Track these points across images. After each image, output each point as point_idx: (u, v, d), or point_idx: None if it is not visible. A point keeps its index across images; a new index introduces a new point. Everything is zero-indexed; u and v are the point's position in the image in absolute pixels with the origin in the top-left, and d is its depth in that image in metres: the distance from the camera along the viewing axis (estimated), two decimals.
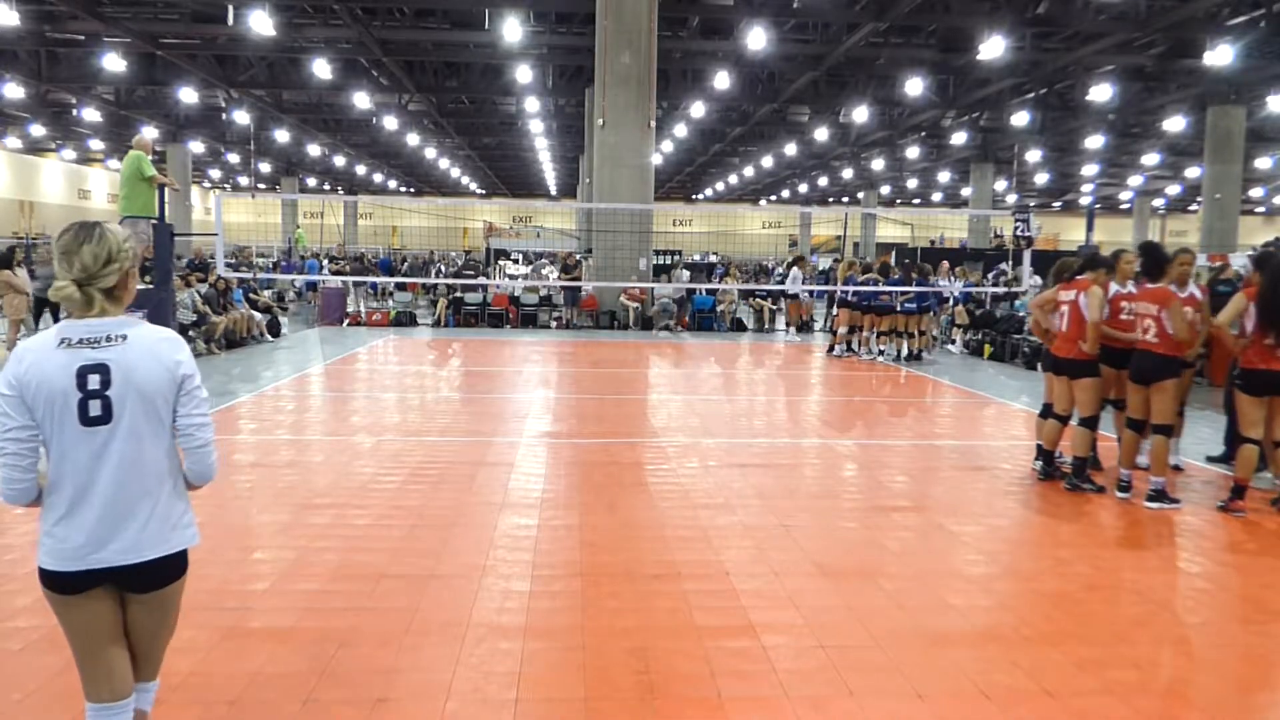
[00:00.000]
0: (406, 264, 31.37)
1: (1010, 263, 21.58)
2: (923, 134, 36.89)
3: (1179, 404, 6.72)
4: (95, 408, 2.37)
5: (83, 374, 2.36)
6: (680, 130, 35.17)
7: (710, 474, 7.06)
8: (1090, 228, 24.97)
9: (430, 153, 45.60)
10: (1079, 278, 6.76)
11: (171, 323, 11.31)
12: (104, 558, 2.41)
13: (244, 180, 53.68)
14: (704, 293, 20.99)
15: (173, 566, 2.54)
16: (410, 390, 11.16)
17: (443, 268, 29.58)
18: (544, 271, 26.53)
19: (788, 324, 20.21)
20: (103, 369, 2.37)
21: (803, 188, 55.58)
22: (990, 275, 21.92)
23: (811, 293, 20.31)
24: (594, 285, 20.22)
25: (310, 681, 3.55)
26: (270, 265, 30.93)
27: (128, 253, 2.49)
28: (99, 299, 2.42)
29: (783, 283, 23.66)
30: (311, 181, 56.27)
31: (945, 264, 19.23)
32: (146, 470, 2.46)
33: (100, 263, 2.42)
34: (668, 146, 38.49)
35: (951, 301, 17.76)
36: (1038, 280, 14.71)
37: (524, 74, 25.60)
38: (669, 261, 25.97)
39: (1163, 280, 6.49)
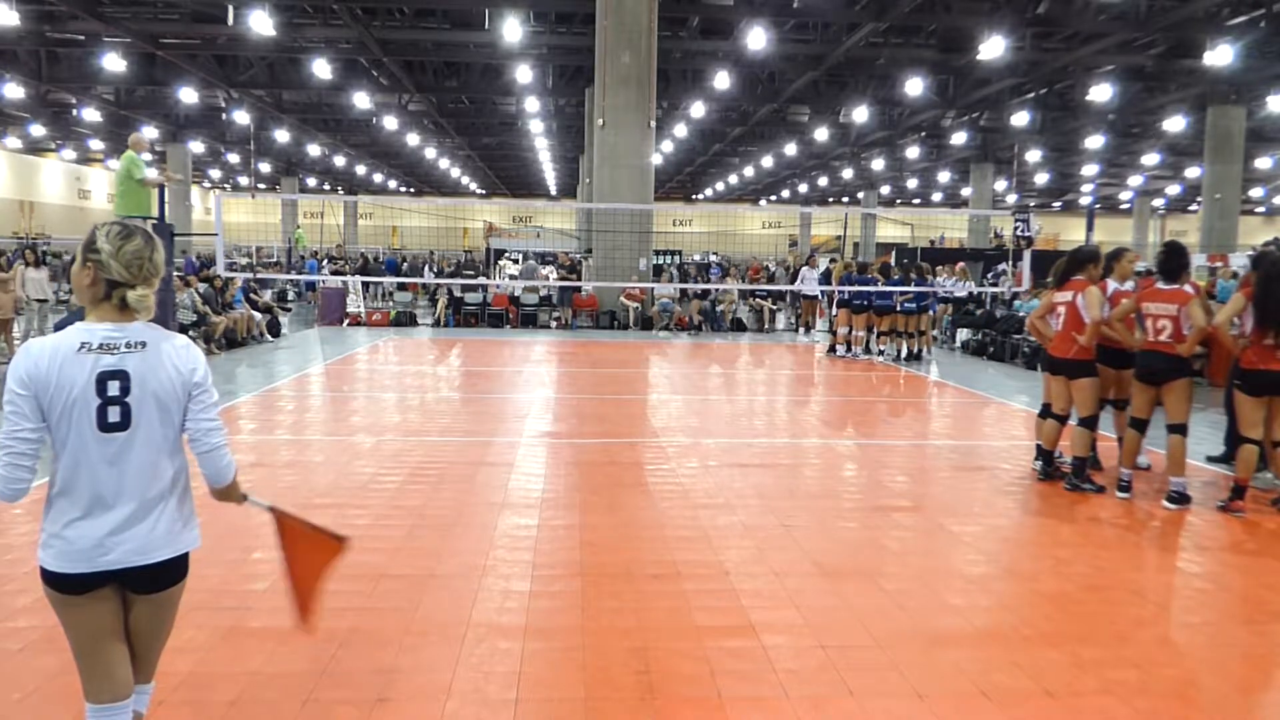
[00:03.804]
0: (406, 264, 31.41)
1: (1010, 263, 21.60)
2: (923, 134, 36.89)
3: (1191, 402, 6.71)
4: (114, 414, 2.38)
5: (102, 380, 2.36)
6: (680, 130, 35.17)
7: (710, 474, 7.06)
8: (1090, 228, 24.98)
9: (430, 153, 45.61)
10: (1074, 279, 6.76)
11: (171, 323, 11.32)
12: (115, 559, 2.42)
13: (244, 180, 53.70)
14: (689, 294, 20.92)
15: (178, 568, 2.55)
16: (410, 390, 11.16)
17: (440, 268, 29.57)
18: (543, 271, 26.53)
19: (798, 324, 20.21)
20: (122, 375, 2.38)
21: (803, 188, 55.60)
22: (990, 275, 21.95)
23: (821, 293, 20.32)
24: (594, 285, 20.22)
25: (310, 681, 3.55)
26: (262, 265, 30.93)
27: None
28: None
29: (773, 281, 23.71)
30: (311, 181, 56.30)
31: (940, 267, 19.32)
32: (161, 474, 2.48)
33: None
34: (668, 146, 38.49)
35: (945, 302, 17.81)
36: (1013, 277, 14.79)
37: (524, 74, 25.61)
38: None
39: (1180, 281, 6.45)
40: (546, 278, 24.68)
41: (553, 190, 61.56)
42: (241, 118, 33.51)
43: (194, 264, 23.10)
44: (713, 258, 40.08)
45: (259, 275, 22.27)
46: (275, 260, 34.99)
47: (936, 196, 57.18)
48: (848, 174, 46.81)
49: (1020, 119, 29.88)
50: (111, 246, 2.42)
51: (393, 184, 60.37)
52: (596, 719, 3.35)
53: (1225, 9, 20.30)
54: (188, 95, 29.23)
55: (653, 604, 4.40)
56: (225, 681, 3.54)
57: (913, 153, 39.13)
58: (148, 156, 10.81)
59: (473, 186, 63.12)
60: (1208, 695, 3.69)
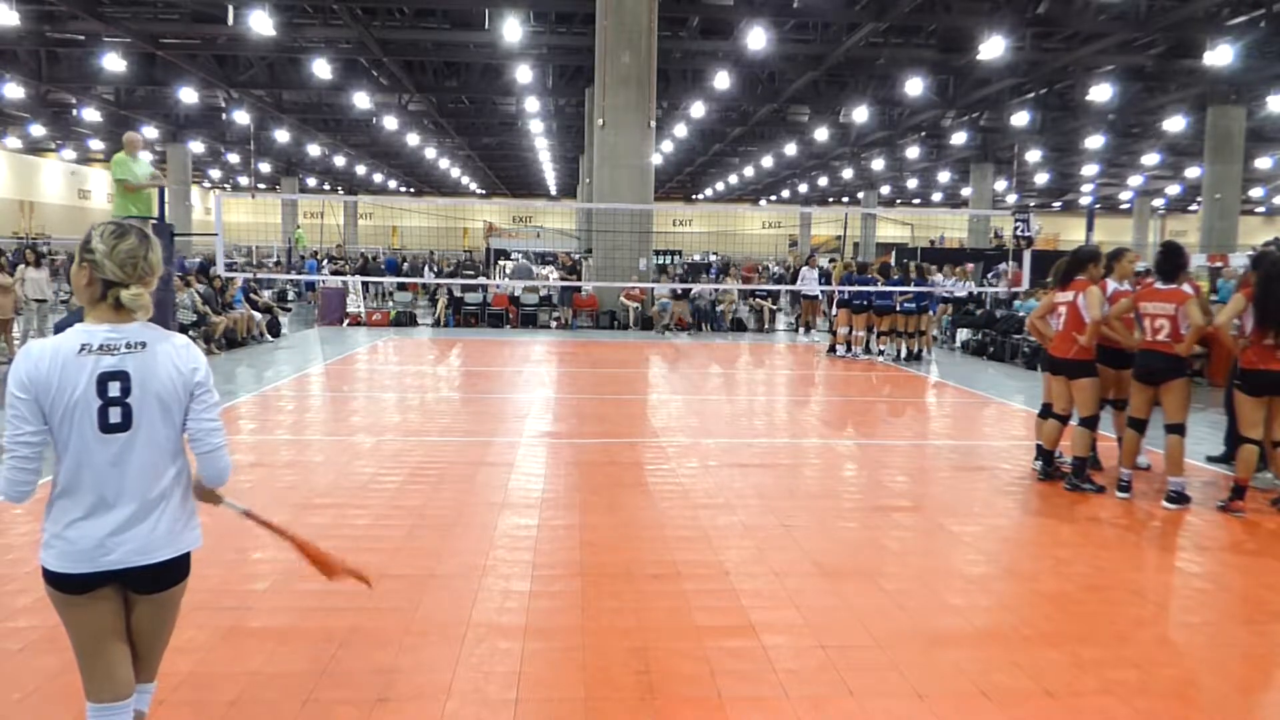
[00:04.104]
0: (406, 264, 31.46)
1: (1010, 263, 21.62)
2: (923, 134, 36.89)
3: (1189, 401, 6.71)
4: (115, 415, 2.38)
5: (103, 381, 2.36)
6: (680, 130, 35.17)
7: (710, 474, 7.06)
8: (1090, 228, 24.92)
9: (430, 153, 45.61)
10: (1075, 279, 6.76)
11: (171, 323, 11.31)
12: (116, 559, 2.42)
13: (244, 180, 53.71)
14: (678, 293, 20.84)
15: (179, 568, 2.56)
16: (410, 390, 11.16)
17: (439, 268, 29.60)
18: (543, 271, 26.50)
19: (798, 324, 20.19)
20: (122, 376, 2.38)
21: (803, 188, 55.59)
22: (990, 275, 21.94)
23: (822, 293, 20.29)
24: (594, 285, 20.22)
25: (310, 681, 3.55)
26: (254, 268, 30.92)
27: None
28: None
29: (779, 282, 23.69)
30: (311, 181, 56.30)
31: (938, 267, 19.33)
32: (162, 474, 2.48)
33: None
34: (668, 146, 38.49)
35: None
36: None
37: (524, 74, 25.61)
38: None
39: (1180, 281, 6.45)
40: (546, 277, 24.67)
41: (553, 190, 61.57)
42: (241, 118, 33.51)
43: (183, 265, 23.03)
44: (713, 257, 40.09)
45: (257, 275, 22.25)
46: (275, 260, 35.01)
47: (936, 196, 57.18)
48: (848, 174, 46.80)
49: (1020, 119, 29.88)
50: (105, 246, 2.41)
51: (393, 184, 60.38)
52: (596, 719, 3.35)
53: (1225, 9, 20.30)
54: (188, 95, 29.23)
55: (653, 604, 4.40)
56: (225, 681, 3.54)
57: (913, 153, 39.13)
58: (149, 156, 10.69)
59: (473, 186, 63.13)
60: (1208, 695, 3.69)
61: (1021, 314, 15.15)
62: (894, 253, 23.82)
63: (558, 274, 26.05)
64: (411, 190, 63.57)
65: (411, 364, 13.95)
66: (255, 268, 27.74)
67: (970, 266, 20.78)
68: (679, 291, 20.55)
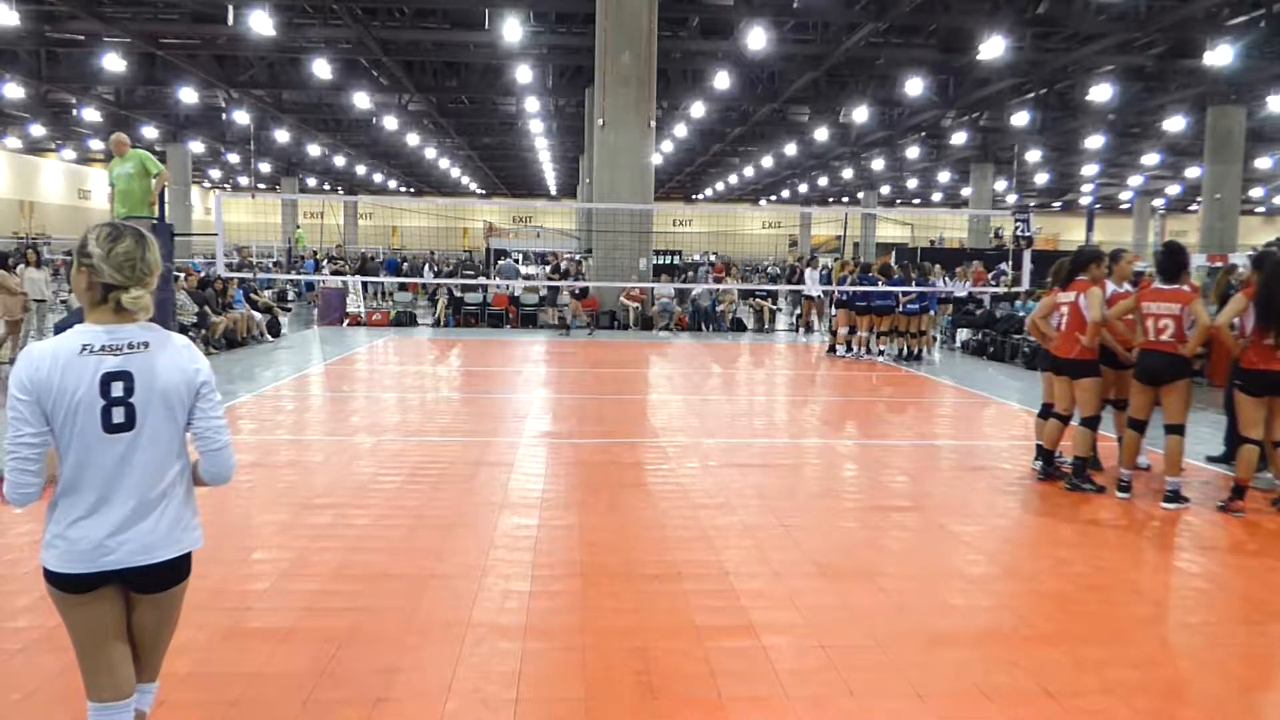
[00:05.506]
0: (406, 264, 31.48)
1: (1010, 263, 21.60)
2: (923, 134, 36.89)
3: (1190, 403, 6.70)
4: (119, 415, 2.38)
5: (106, 381, 2.36)
6: (680, 130, 35.16)
7: (710, 474, 7.06)
8: (1090, 228, 24.97)
9: (430, 153, 45.60)
10: (1077, 279, 6.76)
11: (171, 323, 11.31)
12: (117, 559, 2.42)
13: (244, 180, 53.71)
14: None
15: (180, 568, 2.56)
16: (410, 390, 11.16)
17: (439, 268, 29.60)
18: (545, 271, 26.47)
19: (798, 324, 20.19)
20: (126, 376, 2.38)
21: (803, 188, 55.59)
22: (989, 275, 21.94)
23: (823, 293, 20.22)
24: (594, 285, 20.21)
25: (310, 681, 3.55)
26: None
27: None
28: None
29: (776, 281, 23.69)
30: (311, 181, 56.28)
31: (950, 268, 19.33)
32: (165, 474, 2.48)
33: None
34: (668, 146, 38.48)
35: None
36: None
37: (524, 74, 25.61)
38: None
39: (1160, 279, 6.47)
40: (547, 277, 24.65)
41: (553, 190, 61.57)
42: (241, 118, 33.51)
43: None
44: (712, 257, 40.08)
45: (255, 276, 22.25)
46: (275, 261, 35.02)
47: (936, 196, 57.19)
48: (848, 174, 46.81)
49: (1020, 119, 29.87)
50: (101, 250, 2.40)
51: (393, 184, 60.36)
52: (596, 719, 3.35)
53: (1225, 9, 20.29)
54: (188, 95, 29.23)
55: (653, 604, 4.40)
56: (225, 681, 3.54)
57: (913, 153, 39.12)
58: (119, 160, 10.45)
59: (473, 186, 63.12)
60: (1208, 695, 3.69)
61: (1021, 314, 15.14)
62: (894, 253, 23.80)
63: (548, 275, 25.98)
64: (411, 190, 63.56)
65: (411, 364, 13.94)
66: (251, 268, 27.71)
67: (976, 269, 20.79)
68: (576, 292, 20.00)
